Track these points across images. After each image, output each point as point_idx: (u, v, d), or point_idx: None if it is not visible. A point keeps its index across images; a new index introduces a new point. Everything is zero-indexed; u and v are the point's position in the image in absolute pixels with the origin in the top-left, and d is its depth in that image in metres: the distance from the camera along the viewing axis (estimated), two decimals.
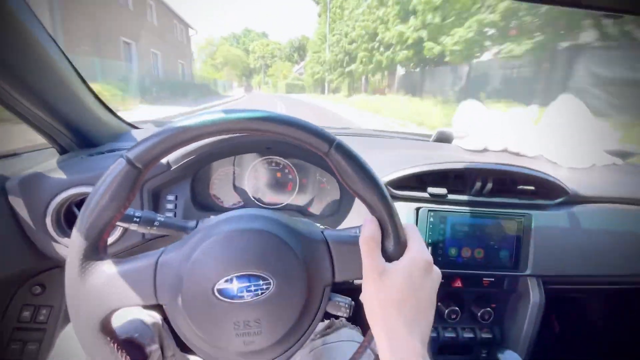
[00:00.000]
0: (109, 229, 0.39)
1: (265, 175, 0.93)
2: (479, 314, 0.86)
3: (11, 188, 0.72)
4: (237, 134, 0.39)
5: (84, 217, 0.37)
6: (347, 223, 0.87)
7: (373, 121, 11.70)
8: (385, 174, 0.80)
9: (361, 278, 0.40)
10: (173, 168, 0.78)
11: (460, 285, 0.86)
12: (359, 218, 0.84)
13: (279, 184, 0.94)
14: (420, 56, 13.44)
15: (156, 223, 0.52)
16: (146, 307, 0.64)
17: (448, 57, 11.06)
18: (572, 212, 0.83)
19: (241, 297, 0.39)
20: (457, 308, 0.85)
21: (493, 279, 0.85)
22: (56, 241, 0.76)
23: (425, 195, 0.80)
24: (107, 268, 0.39)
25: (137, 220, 0.51)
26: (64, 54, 0.74)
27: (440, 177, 0.83)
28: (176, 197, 0.84)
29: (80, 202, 0.79)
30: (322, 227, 0.50)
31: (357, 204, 0.87)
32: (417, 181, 0.82)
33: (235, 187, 0.93)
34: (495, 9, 8.98)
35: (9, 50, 0.60)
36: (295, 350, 0.43)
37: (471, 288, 0.87)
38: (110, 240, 0.77)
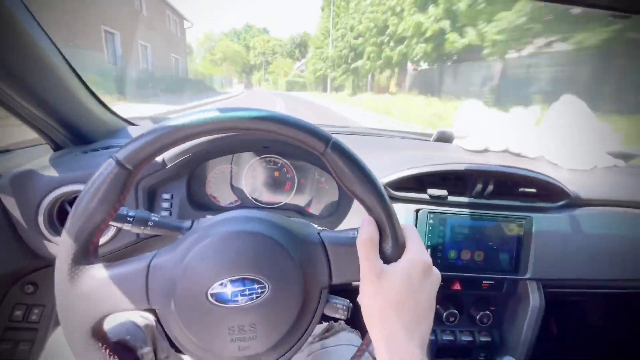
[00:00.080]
0: (98, 232, 0.37)
1: (262, 175, 0.92)
2: (477, 317, 0.85)
3: (2, 186, 0.70)
4: (232, 133, 0.38)
5: (72, 220, 0.36)
6: (346, 224, 0.86)
7: (385, 125, 9.87)
8: (384, 175, 0.79)
9: (359, 280, 0.40)
10: (169, 166, 0.77)
11: (459, 287, 0.85)
12: (358, 219, 0.83)
13: (276, 184, 0.92)
14: (439, 51, 11.72)
15: (150, 223, 0.51)
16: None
17: (488, 49, 8.89)
18: (574, 215, 0.82)
19: (235, 302, 0.38)
20: (455, 311, 0.85)
21: (492, 282, 0.84)
22: (49, 240, 0.74)
23: (425, 196, 0.79)
24: (97, 272, 0.38)
25: (131, 220, 0.50)
26: (58, 49, 0.73)
27: (441, 179, 0.82)
28: (172, 196, 0.82)
29: (73, 200, 0.77)
30: (319, 228, 0.49)
31: (356, 205, 0.86)
32: (417, 182, 0.81)
33: (232, 186, 0.92)
34: None
35: (1, 46, 0.59)
36: (292, 354, 0.42)
37: (470, 291, 0.86)
38: (103, 240, 0.75)
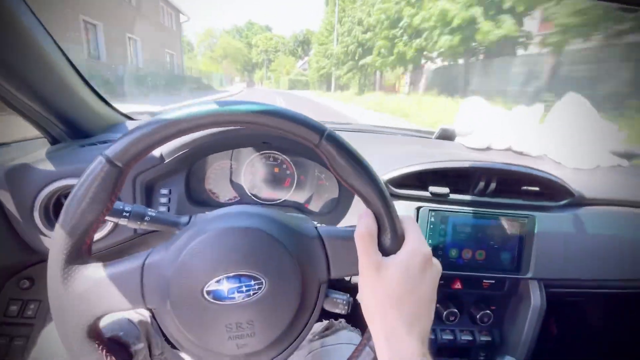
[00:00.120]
0: (91, 232, 0.37)
1: (262, 171, 0.91)
2: (478, 317, 0.84)
3: None
4: (228, 128, 0.37)
5: (64, 220, 0.35)
6: (346, 221, 0.85)
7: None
8: (385, 172, 0.78)
9: (357, 274, 0.39)
10: (167, 161, 0.76)
11: (459, 286, 0.84)
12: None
13: (276, 180, 0.91)
14: (467, 44, 9.90)
15: (147, 218, 0.51)
16: None
17: (557, 36, 6.83)
18: (577, 215, 0.81)
19: (232, 299, 0.38)
20: (455, 310, 0.84)
21: (493, 281, 0.83)
22: (45, 235, 0.73)
23: (426, 194, 0.78)
24: (91, 273, 0.37)
25: (127, 215, 0.50)
26: (55, 42, 0.72)
27: (442, 176, 0.81)
28: (170, 192, 0.82)
29: (69, 194, 0.77)
30: (317, 224, 0.48)
31: (357, 202, 0.85)
32: (419, 180, 0.80)
33: (231, 182, 0.91)
34: None
35: None
36: (292, 351, 0.42)
37: (471, 290, 0.85)
38: (100, 235, 0.75)
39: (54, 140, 0.86)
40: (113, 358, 0.39)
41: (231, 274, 0.38)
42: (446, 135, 1.14)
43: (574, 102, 1.10)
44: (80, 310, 0.37)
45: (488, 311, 0.85)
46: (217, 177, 0.90)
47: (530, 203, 0.80)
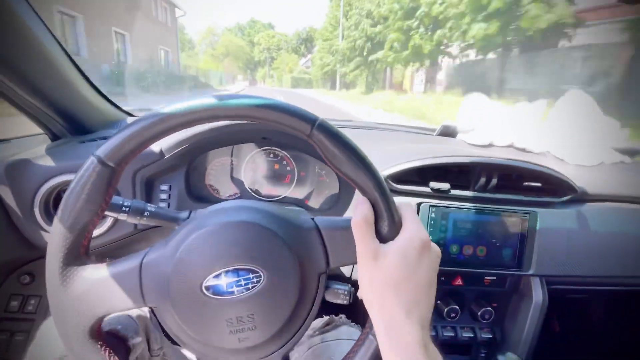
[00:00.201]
0: (87, 233, 0.37)
1: (262, 167, 0.91)
2: (479, 313, 0.84)
3: None
4: (224, 122, 0.37)
5: (59, 222, 0.35)
6: None
7: None
8: (385, 167, 0.77)
9: (356, 263, 0.39)
10: (166, 157, 0.76)
11: (460, 283, 0.83)
12: None
13: (276, 176, 0.91)
14: (507, 32, 8.00)
15: (146, 213, 0.51)
16: None
17: None
18: (580, 211, 0.80)
19: (231, 293, 0.38)
20: (456, 307, 0.83)
21: (495, 278, 0.83)
22: (45, 230, 0.74)
23: (427, 190, 0.77)
24: (89, 274, 0.37)
25: (127, 210, 0.50)
26: (55, 38, 0.71)
27: (443, 172, 0.80)
28: (170, 188, 0.81)
29: None
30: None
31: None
32: (419, 175, 0.79)
33: (232, 178, 0.91)
34: None
35: None
36: (294, 343, 0.42)
37: (472, 286, 0.85)
38: (100, 230, 0.75)
39: (54, 137, 0.86)
40: (115, 358, 0.39)
41: (229, 268, 0.38)
42: (448, 132, 1.14)
43: (577, 98, 1.09)
44: (80, 312, 0.37)
45: (489, 308, 0.84)
46: (217, 173, 0.90)
47: (532, 199, 0.80)
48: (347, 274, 0.82)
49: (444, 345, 0.86)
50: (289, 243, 0.40)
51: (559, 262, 0.79)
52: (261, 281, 0.38)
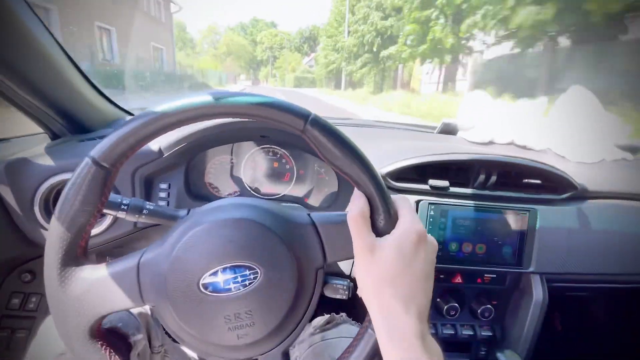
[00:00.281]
0: (84, 233, 0.37)
1: (262, 165, 0.91)
2: (479, 311, 0.84)
3: None
4: (208, 120, 0.37)
5: (55, 224, 0.35)
6: None
7: None
8: (384, 165, 0.77)
9: (353, 257, 0.39)
10: (165, 155, 0.76)
11: (460, 281, 0.83)
12: None
13: (276, 174, 0.91)
14: (564, 18, 6.23)
15: (145, 211, 0.51)
16: None
17: None
18: (580, 208, 0.80)
19: (228, 290, 0.38)
20: (456, 304, 0.83)
21: (494, 276, 0.83)
22: (45, 228, 0.74)
23: (425, 187, 0.77)
24: (88, 274, 0.37)
25: (125, 208, 0.50)
26: (54, 37, 0.72)
27: (443, 169, 0.80)
28: (169, 186, 0.82)
29: None
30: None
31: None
32: (418, 173, 0.79)
33: (231, 177, 0.91)
34: None
35: None
36: (293, 339, 0.42)
37: (472, 284, 0.84)
38: (99, 229, 0.75)
39: (54, 136, 0.86)
40: (116, 357, 0.39)
41: (225, 265, 0.38)
42: (448, 130, 1.13)
43: (579, 95, 1.09)
44: (79, 312, 0.37)
45: (489, 306, 0.84)
46: (217, 171, 0.90)
47: (531, 196, 0.79)
48: (347, 272, 0.82)
49: (443, 343, 0.85)
50: (284, 239, 0.40)
51: (559, 260, 0.79)
52: (258, 277, 0.38)
